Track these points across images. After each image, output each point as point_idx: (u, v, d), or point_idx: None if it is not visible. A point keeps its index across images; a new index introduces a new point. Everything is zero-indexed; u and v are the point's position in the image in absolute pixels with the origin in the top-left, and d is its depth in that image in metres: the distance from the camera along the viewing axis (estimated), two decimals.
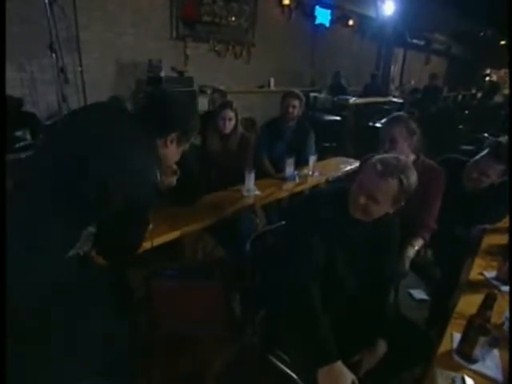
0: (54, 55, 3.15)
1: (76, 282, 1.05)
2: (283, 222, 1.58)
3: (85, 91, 4.08)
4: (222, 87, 5.24)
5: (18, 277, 0.92)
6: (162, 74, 4.53)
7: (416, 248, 1.70)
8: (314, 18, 7.09)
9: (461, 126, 5.44)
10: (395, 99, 7.11)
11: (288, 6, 6.45)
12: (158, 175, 1.09)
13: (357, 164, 2.72)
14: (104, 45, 4.30)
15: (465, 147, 4.20)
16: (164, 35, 4.91)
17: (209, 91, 5.21)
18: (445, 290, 1.78)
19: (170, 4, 4.83)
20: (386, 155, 1.22)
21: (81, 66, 4.03)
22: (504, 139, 1.87)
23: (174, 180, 1.44)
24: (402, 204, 1.23)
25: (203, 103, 5.17)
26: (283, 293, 1.24)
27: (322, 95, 6.66)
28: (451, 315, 1.22)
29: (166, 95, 1.23)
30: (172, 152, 1.22)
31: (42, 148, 1.16)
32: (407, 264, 1.64)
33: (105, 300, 1.20)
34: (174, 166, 1.40)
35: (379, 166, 1.15)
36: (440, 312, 1.72)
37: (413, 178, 1.18)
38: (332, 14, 7.43)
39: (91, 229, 1.06)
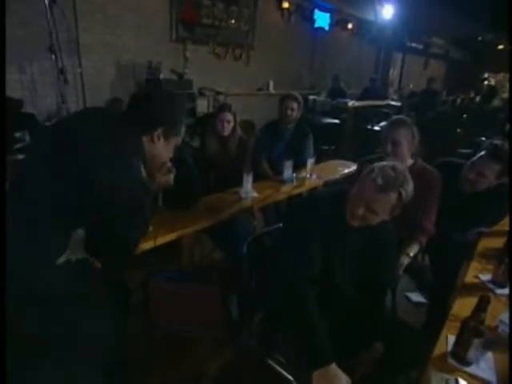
0: (53, 57, 3.16)
1: (73, 283, 1.05)
2: (280, 224, 1.59)
3: (84, 93, 4.10)
4: (221, 89, 5.28)
5: (12, 281, 0.93)
6: (161, 76, 4.55)
7: (411, 255, 1.72)
8: (314, 21, 7.13)
9: (459, 130, 5.46)
10: (394, 103, 7.13)
11: (287, 9, 6.48)
12: (143, 171, 1.08)
13: (355, 167, 2.73)
14: (104, 47, 4.32)
15: (463, 151, 4.22)
16: (164, 38, 4.93)
17: (208, 93, 5.25)
18: (442, 292, 1.79)
19: (169, 7, 4.85)
20: (384, 165, 1.22)
21: (80, 67, 4.04)
22: (500, 142, 1.89)
23: (170, 178, 1.38)
24: (398, 212, 1.25)
25: (202, 105, 5.21)
26: (280, 294, 1.24)
27: (321, 98, 6.68)
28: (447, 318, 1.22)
29: (150, 92, 1.24)
30: (161, 148, 1.20)
31: (30, 151, 1.17)
32: (400, 271, 1.67)
33: (103, 301, 1.20)
34: (169, 164, 1.36)
35: (380, 181, 1.17)
36: (437, 315, 1.73)
37: (410, 188, 1.21)
38: (331, 18, 7.47)
39: (81, 231, 1.04)
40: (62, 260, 1.02)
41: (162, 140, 1.18)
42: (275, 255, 1.37)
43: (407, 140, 1.82)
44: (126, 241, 1.14)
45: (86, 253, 1.10)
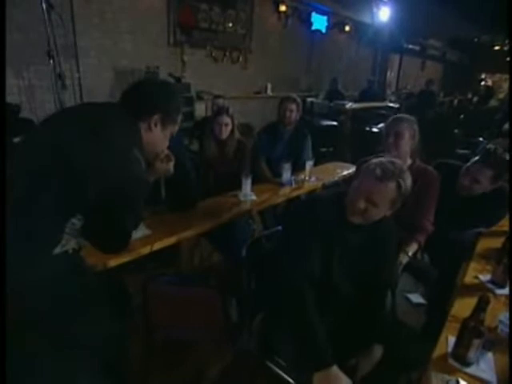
0: (51, 62, 3.16)
1: (72, 285, 1.04)
2: (279, 227, 1.59)
3: (82, 98, 4.09)
4: (219, 93, 5.28)
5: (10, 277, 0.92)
6: None
7: (410, 254, 1.73)
8: (311, 24, 7.16)
9: (456, 131, 5.47)
10: (391, 104, 7.16)
11: (284, 12, 6.50)
12: (141, 160, 1.05)
13: (353, 169, 2.74)
14: (101, 51, 4.32)
15: (460, 151, 4.23)
16: (161, 42, 4.94)
17: (206, 97, 5.25)
18: (441, 293, 1.79)
19: (167, 11, 4.87)
20: (382, 159, 1.24)
21: (78, 72, 4.05)
22: (493, 146, 1.90)
23: (170, 167, 1.35)
24: (399, 206, 1.25)
25: (200, 109, 5.21)
26: (279, 295, 1.24)
27: (319, 100, 6.70)
28: (447, 319, 1.22)
29: (145, 79, 1.21)
30: (158, 135, 1.18)
31: (26, 141, 1.11)
32: (399, 270, 1.67)
33: (103, 303, 1.20)
34: (167, 152, 1.33)
35: (378, 171, 1.18)
36: (437, 316, 1.73)
37: (409, 181, 1.22)
38: (328, 21, 7.51)
39: (75, 221, 1.01)
40: (58, 250, 0.99)
41: (159, 127, 1.16)
42: (274, 258, 1.37)
43: (409, 133, 1.84)
44: (124, 228, 1.11)
45: (80, 238, 1.07)
